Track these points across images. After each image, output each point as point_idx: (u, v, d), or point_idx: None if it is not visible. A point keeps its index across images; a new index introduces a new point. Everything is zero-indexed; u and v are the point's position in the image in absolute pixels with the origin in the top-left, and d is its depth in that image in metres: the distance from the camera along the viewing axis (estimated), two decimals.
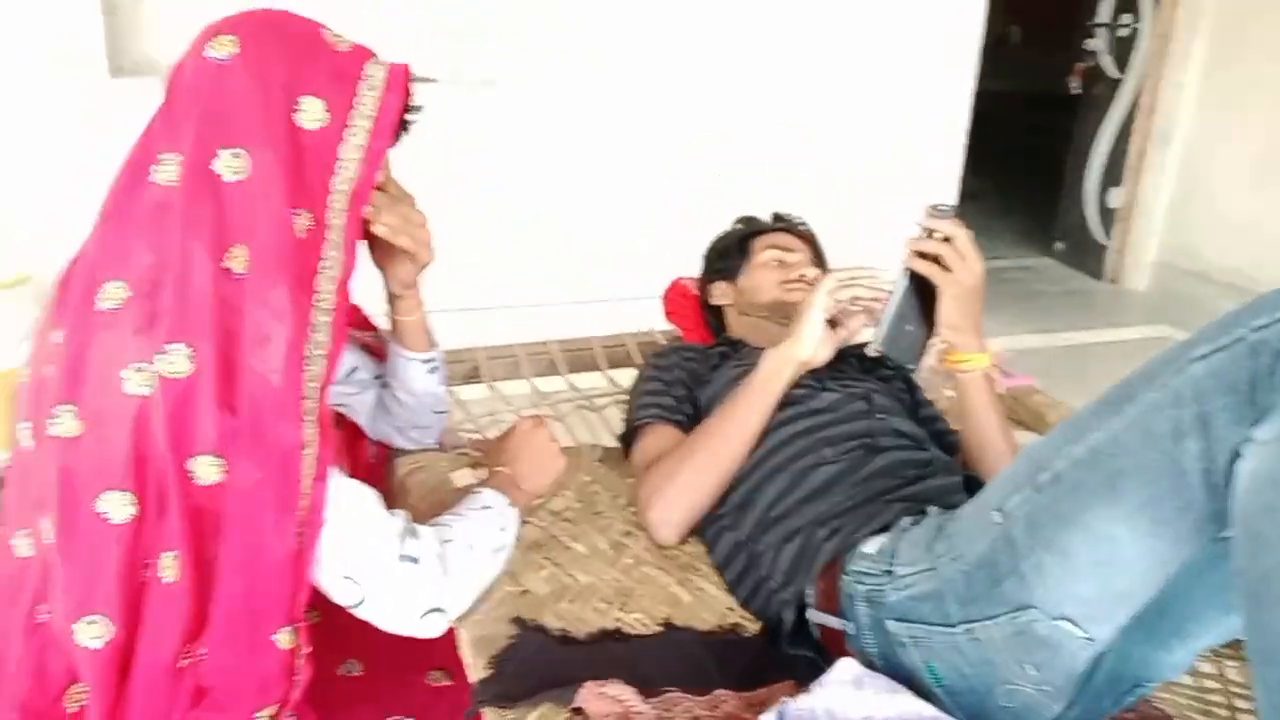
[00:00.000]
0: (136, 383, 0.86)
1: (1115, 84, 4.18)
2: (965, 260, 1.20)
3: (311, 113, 0.90)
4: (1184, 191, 4.08)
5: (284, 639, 0.92)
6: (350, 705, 1.07)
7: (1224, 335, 0.82)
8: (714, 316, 1.66)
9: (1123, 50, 4.13)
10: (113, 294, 0.87)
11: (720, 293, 1.63)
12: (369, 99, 0.92)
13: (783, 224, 1.68)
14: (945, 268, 1.19)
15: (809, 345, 1.24)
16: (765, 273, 1.57)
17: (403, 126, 0.98)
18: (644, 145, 3.20)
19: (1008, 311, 3.92)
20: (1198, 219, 4.02)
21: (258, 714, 0.94)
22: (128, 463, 0.86)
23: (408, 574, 0.95)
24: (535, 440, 1.20)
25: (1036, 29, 7.43)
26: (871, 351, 1.21)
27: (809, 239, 1.64)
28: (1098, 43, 4.24)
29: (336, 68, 0.91)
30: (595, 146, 3.16)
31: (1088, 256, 4.42)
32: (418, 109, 0.99)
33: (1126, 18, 4.08)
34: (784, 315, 1.51)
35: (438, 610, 0.98)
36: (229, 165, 0.87)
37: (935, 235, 1.20)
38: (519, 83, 3.02)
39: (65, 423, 0.87)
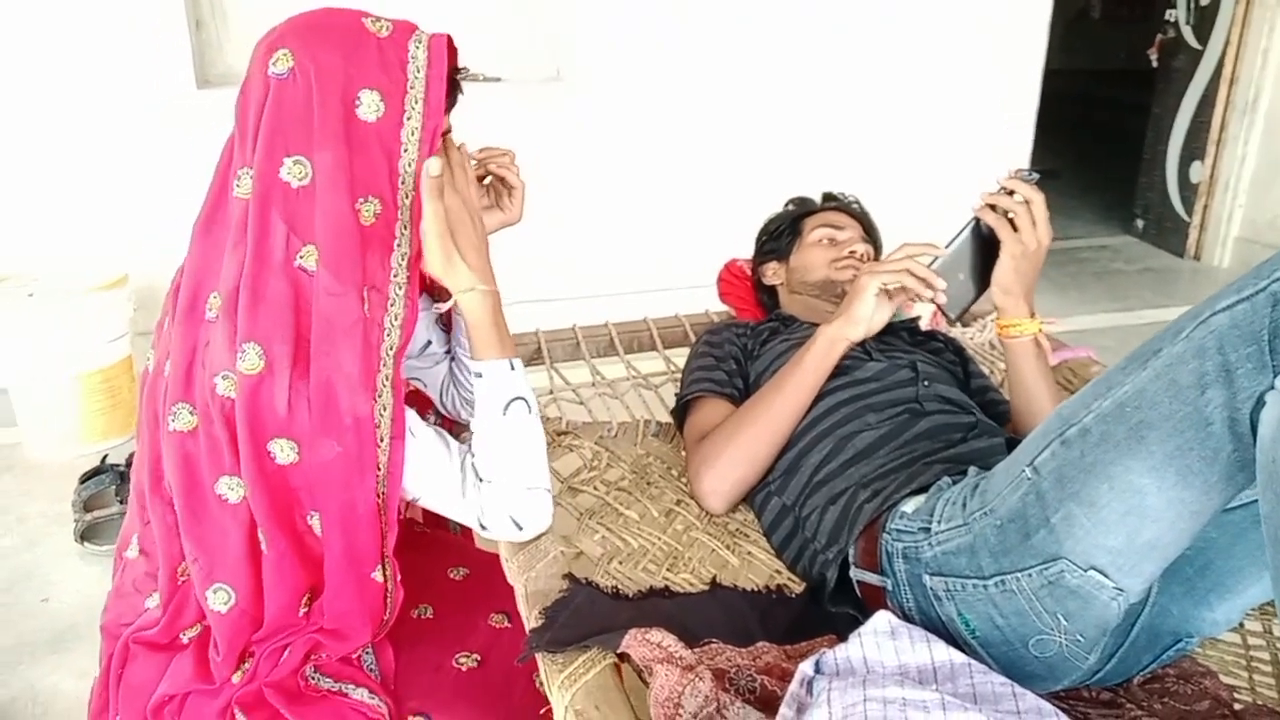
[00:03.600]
0: (224, 387, 0.97)
1: (1196, 55, 4.06)
2: (1036, 226, 1.22)
3: (369, 105, 0.96)
4: (1268, 163, 3.94)
5: (379, 575, 1.05)
6: (422, 642, 1.17)
7: (1247, 287, 0.83)
8: (767, 295, 1.70)
9: (1204, 20, 4.01)
10: (213, 304, 0.98)
11: (772, 272, 1.67)
12: (418, 80, 0.98)
13: (833, 203, 1.70)
14: (1015, 228, 1.21)
15: (861, 325, 1.26)
16: (816, 251, 1.60)
17: (453, 92, 1.03)
18: (705, 131, 3.23)
19: (1087, 290, 3.85)
20: None
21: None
22: (232, 451, 0.97)
23: (485, 490, 1.07)
24: (452, 207, 1.04)
25: (1116, 3, 7.23)
26: None
27: (860, 217, 1.67)
28: (1178, 12, 4.12)
29: (384, 56, 0.97)
30: (656, 137, 3.20)
31: (1169, 233, 4.31)
32: (462, 72, 1.04)
33: None
34: (835, 293, 1.54)
35: (531, 490, 1.08)
36: (292, 172, 0.95)
37: (1015, 196, 1.23)
38: (583, 77, 3.08)
39: (183, 417, 0.99)
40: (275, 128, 0.94)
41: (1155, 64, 4.27)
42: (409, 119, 0.98)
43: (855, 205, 1.70)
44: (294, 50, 0.95)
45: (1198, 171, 4.12)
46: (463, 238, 1.03)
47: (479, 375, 1.08)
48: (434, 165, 0.99)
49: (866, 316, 1.26)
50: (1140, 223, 4.50)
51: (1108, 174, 5.06)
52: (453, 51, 1.02)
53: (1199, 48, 4.04)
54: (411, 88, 0.97)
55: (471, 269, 1.03)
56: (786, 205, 1.75)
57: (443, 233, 1.01)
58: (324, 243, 0.95)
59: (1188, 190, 4.19)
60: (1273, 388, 0.81)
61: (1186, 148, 4.17)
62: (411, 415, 1.04)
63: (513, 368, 1.08)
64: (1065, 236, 4.42)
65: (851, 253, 1.56)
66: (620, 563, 1.19)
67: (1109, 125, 5.56)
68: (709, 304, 1.88)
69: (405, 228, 1.01)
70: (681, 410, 1.44)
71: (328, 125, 0.95)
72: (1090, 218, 4.79)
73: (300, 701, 1.04)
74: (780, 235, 1.69)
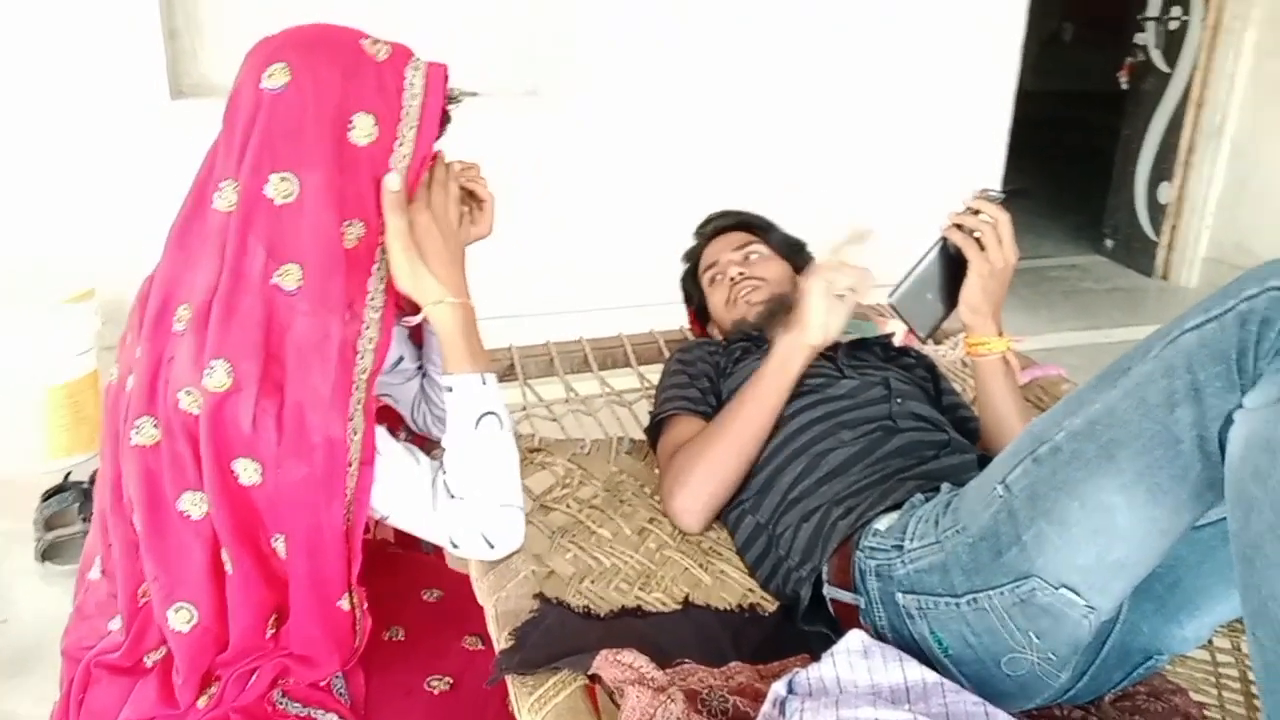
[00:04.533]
0: (186, 403, 0.95)
1: (1165, 78, 4.13)
2: (1002, 245, 1.23)
3: (363, 129, 0.96)
4: (1235, 185, 4.01)
5: (345, 603, 1.03)
6: (394, 665, 1.15)
7: (1215, 307, 0.84)
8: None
9: (1172, 44, 4.08)
10: (182, 316, 0.97)
11: (712, 330, 1.67)
12: (413, 108, 0.98)
13: (702, 233, 1.69)
14: (982, 247, 1.22)
15: (816, 330, 1.26)
16: (713, 299, 1.61)
17: (444, 121, 1.03)
18: (676, 152, 3.25)
19: (1056, 309, 3.89)
20: (1249, 213, 3.95)
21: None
22: (195, 466, 0.96)
23: (457, 507, 1.06)
24: (420, 222, 1.02)
25: (1088, 26, 7.34)
26: (885, 303, 1.26)
27: (730, 226, 1.66)
28: (1147, 36, 4.19)
29: (381, 80, 0.96)
30: (628, 154, 3.21)
31: (1138, 253, 4.36)
32: (456, 101, 1.04)
33: (1176, 10, 4.03)
34: (753, 327, 1.51)
35: (504, 507, 1.07)
36: (278, 189, 0.94)
37: (980, 216, 1.24)
38: (560, 93, 3.09)
39: (146, 431, 0.97)
40: (265, 142, 0.93)
41: (1125, 87, 4.34)
42: (400, 145, 0.98)
43: (717, 221, 1.68)
44: (292, 65, 0.94)
45: (1166, 193, 4.18)
46: (430, 251, 1.01)
47: (449, 389, 1.07)
48: (393, 181, 0.98)
49: (821, 321, 1.25)
50: (1109, 242, 4.55)
51: (1078, 194, 5.12)
52: (446, 80, 1.02)
53: (1168, 71, 4.11)
54: (406, 114, 0.97)
55: (440, 281, 1.02)
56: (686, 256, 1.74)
57: (406, 246, 1.00)
58: (308, 262, 0.95)
59: (1156, 211, 4.25)
60: (1241, 406, 0.82)
61: (1155, 169, 4.24)
62: (381, 432, 1.02)
63: (484, 382, 1.07)
64: (1035, 255, 4.46)
65: (732, 280, 1.56)
66: (592, 582, 1.18)
67: (1079, 146, 5.64)
68: (684, 320, 1.88)
69: (385, 251, 1.01)
70: (655, 429, 1.44)
71: (320, 145, 0.94)
72: (1060, 237, 4.85)
73: None
74: (691, 296, 1.71)
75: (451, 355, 1.06)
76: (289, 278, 0.94)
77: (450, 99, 1.03)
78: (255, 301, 0.94)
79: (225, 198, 0.95)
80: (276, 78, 0.94)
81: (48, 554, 2.09)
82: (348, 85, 0.95)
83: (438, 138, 1.03)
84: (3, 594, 2.02)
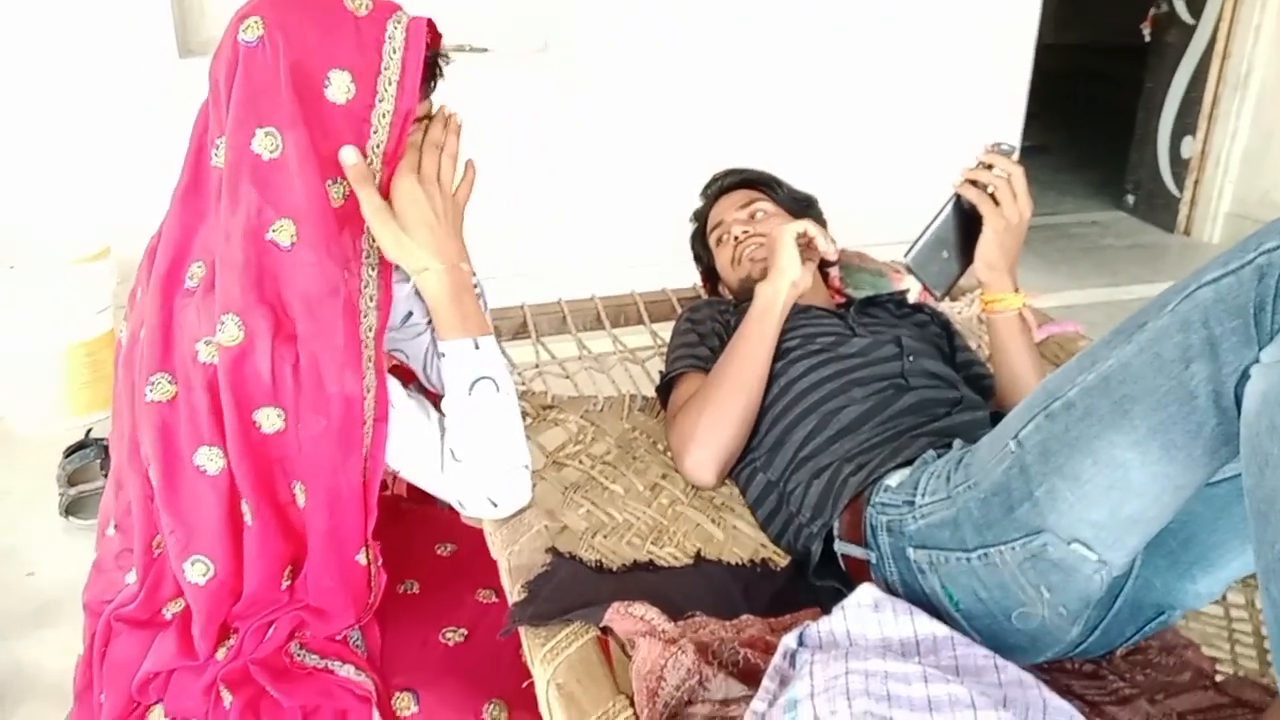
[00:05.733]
0: (206, 354, 0.95)
1: (1189, 29, 4.04)
2: (1016, 199, 1.22)
3: (339, 86, 0.93)
4: (1260, 139, 3.93)
5: (362, 557, 1.04)
6: (408, 617, 1.16)
7: (1233, 260, 0.83)
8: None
9: None
10: (195, 273, 0.97)
11: (723, 290, 1.66)
12: (393, 63, 0.94)
13: (710, 192, 1.68)
14: (996, 202, 1.21)
15: (792, 268, 1.31)
16: (721, 259, 1.60)
17: (432, 75, 1.01)
18: (693, 105, 3.21)
19: (1076, 266, 3.84)
20: (1274, 167, 3.88)
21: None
22: (212, 421, 0.96)
23: (460, 470, 1.05)
24: (402, 187, 0.99)
25: None
26: (900, 261, 1.26)
27: (737, 184, 1.65)
28: None
29: (360, 36, 0.93)
30: (643, 110, 3.18)
31: (1159, 209, 4.30)
32: (445, 58, 1.02)
33: None
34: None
35: (508, 469, 1.07)
36: (263, 144, 0.92)
37: (994, 171, 1.23)
38: (571, 49, 3.05)
39: (161, 387, 0.98)
40: (246, 97, 0.92)
41: (1148, 39, 4.25)
42: (381, 101, 0.95)
43: (723, 180, 1.67)
44: (265, 19, 0.92)
45: (1189, 147, 4.11)
46: (414, 219, 0.98)
47: (442, 355, 1.05)
48: (348, 155, 0.95)
49: (793, 259, 1.32)
50: (1131, 198, 4.49)
51: (1099, 149, 5.04)
52: (435, 35, 0.99)
53: (1192, 23, 4.02)
54: (385, 69, 0.94)
55: (423, 248, 0.99)
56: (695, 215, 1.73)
57: (382, 219, 0.96)
58: (301, 218, 0.94)
59: (1179, 166, 4.18)
60: (1257, 361, 0.80)
61: (1178, 123, 4.16)
62: (393, 385, 1.03)
63: (477, 347, 1.04)
64: (1056, 212, 4.40)
65: (736, 239, 1.55)
66: (604, 537, 1.18)
67: (1101, 100, 5.54)
68: (696, 278, 1.87)
69: None
70: (665, 388, 1.44)
71: (296, 103, 0.92)
72: (1081, 193, 4.78)
73: (286, 678, 1.03)
74: (700, 257, 1.71)
75: (441, 322, 1.03)
76: (283, 233, 0.93)
77: (439, 55, 1.00)
78: (252, 255, 0.93)
79: (219, 156, 0.95)
80: (250, 31, 0.92)
81: (71, 509, 2.12)
82: (322, 40, 0.92)
83: (424, 95, 1.00)
84: (28, 548, 2.06)
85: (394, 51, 0.94)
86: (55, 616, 1.84)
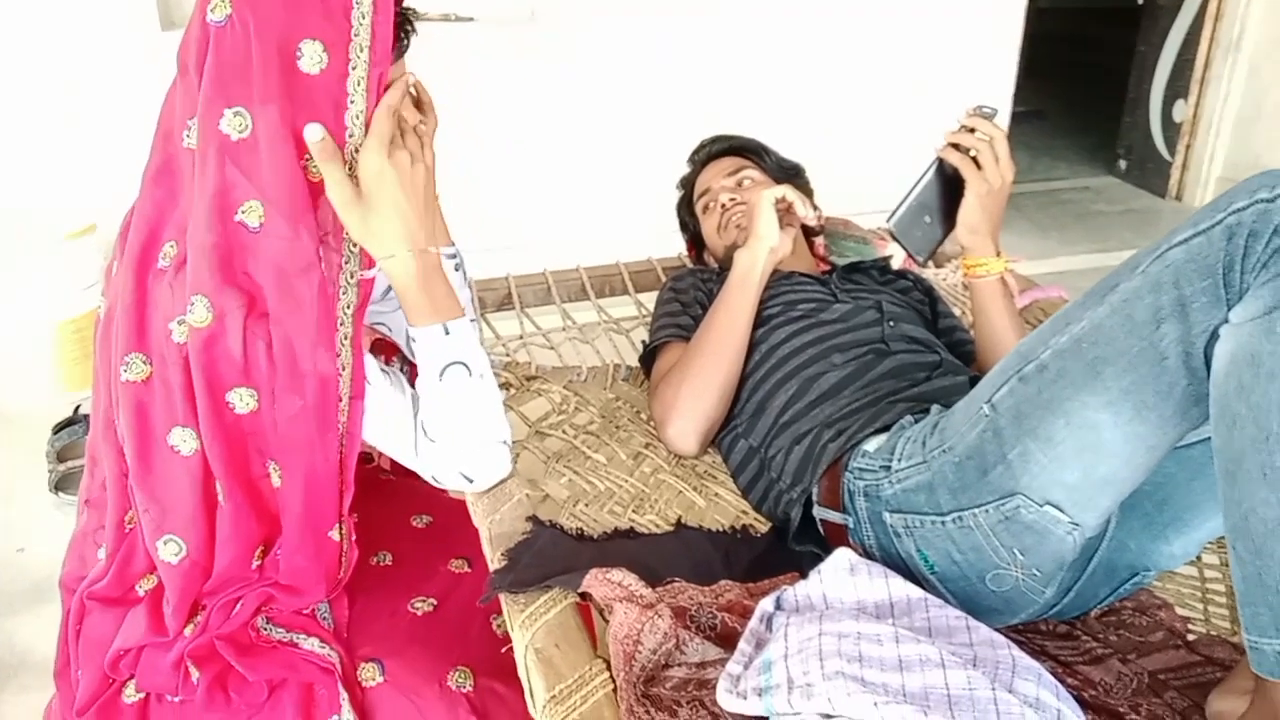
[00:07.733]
0: (180, 334, 0.95)
1: None
2: (999, 163, 1.22)
3: (311, 56, 0.91)
4: (1252, 102, 3.91)
5: (335, 534, 1.04)
6: (379, 589, 1.17)
7: (1203, 220, 0.83)
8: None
9: None
10: (167, 253, 0.96)
11: (710, 260, 1.66)
12: (362, 28, 0.92)
13: (697, 158, 1.67)
14: (978, 165, 1.21)
15: (770, 234, 1.33)
16: (707, 227, 1.60)
17: (403, 36, 0.98)
18: (680, 72, 3.18)
19: (1068, 231, 3.84)
20: (1266, 130, 3.86)
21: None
22: (186, 401, 0.96)
23: (433, 448, 1.06)
24: (370, 165, 0.94)
25: None
26: (883, 227, 1.26)
27: (723, 151, 1.64)
28: None
29: (327, 4, 0.91)
30: (629, 81, 3.15)
31: (1151, 174, 4.28)
32: (416, 17, 0.99)
33: None
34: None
35: (483, 445, 1.07)
36: (232, 124, 0.91)
37: (976, 134, 1.22)
38: (558, 18, 3.02)
39: (135, 367, 0.97)
40: (215, 77, 0.91)
41: (1141, 1, 4.21)
42: (354, 68, 0.93)
43: (710, 147, 1.66)
44: None
45: (1181, 110, 4.09)
46: (382, 199, 0.94)
47: (413, 340, 1.04)
48: (313, 132, 0.91)
49: (771, 223, 1.34)
50: (1123, 163, 4.47)
51: (1092, 114, 5.01)
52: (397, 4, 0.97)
53: None
54: (356, 35, 0.92)
55: (391, 233, 0.95)
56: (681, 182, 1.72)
57: (346, 200, 0.93)
58: (273, 197, 0.92)
59: (1171, 130, 4.16)
60: (1226, 321, 0.81)
61: (1170, 87, 4.13)
62: (370, 363, 1.02)
63: (448, 332, 1.01)
64: (1047, 178, 4.39)
65: (723, 207, 1.54)
66: (586, 505, 1.19)
67: (1094, 64, 5.50)
68: (681, 247, 1.86)
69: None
70: (649, 357, 1.44)
71: (268, 79, 0.90)
72: (1073, 159, 4.75)
73: (251, 653, 1.03)
74: (686, 225, 1.70)
75: (411, 307, 1.01)
76: (251, 214, 0.92)
77: (408, 12, 0.98)
78: (222, 237, 0.92)
79: (190, 137, 0.94)
80: (219, 11, 0.90)
81: (60, 485, 2.13)
82: (290, 11, 0.90)
83: (398, 56, 0.98)
84: (19, 525, 2.06)
85: (363, 17, 0.92)
86: (47, 591, 1.84)
